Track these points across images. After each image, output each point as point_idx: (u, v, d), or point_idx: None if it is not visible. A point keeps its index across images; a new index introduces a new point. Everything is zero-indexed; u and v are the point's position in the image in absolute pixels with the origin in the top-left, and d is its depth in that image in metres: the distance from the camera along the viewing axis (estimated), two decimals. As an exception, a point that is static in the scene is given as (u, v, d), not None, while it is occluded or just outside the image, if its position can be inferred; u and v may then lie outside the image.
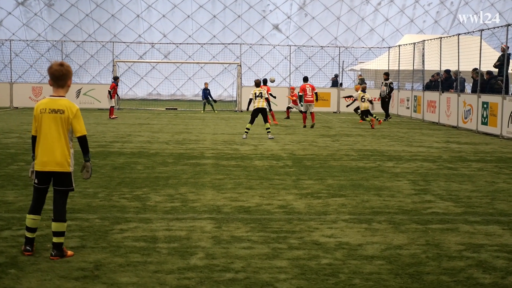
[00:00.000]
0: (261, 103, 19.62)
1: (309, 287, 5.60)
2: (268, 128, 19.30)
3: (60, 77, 6.39)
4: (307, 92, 24.05)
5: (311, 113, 23.96)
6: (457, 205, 9.35)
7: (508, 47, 21.76)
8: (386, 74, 30.20)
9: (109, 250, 6.60)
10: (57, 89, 6.45)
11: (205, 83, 34.90)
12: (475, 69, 24.14)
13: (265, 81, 25.65)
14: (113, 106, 27.97)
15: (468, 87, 28.92)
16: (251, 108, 20.07)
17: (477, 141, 19.41)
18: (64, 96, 6.46)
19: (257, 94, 19.75)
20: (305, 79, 25.26)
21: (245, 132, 19.30)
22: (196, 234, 7.34)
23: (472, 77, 25.18)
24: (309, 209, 8.87)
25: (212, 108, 33.86)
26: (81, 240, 7.00)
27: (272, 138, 18.96)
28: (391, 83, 29.86)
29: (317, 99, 24.59)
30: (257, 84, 20.37)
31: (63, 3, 45.19)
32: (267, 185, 10.72)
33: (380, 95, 30.40)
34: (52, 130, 6.37)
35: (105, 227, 7.58)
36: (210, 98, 33.81)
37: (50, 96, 6.49)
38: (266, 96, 20.03)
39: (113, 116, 27.24)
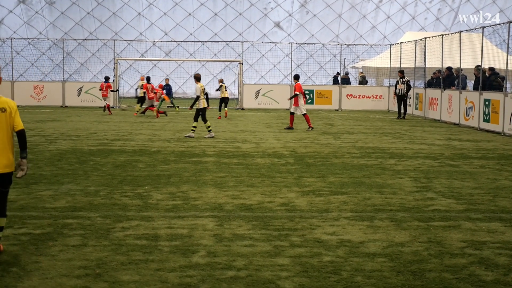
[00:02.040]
0: (204, 102, 18.73)
1: (311, 284, 5.60)
2: (209, 127, 18.58)
3: None
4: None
5: (304, 114, 21.87)
6: (459, 202, 9.34)
7: None
8: (402, 72, 29.14)
9: (110, 248, 6.60)
10: None
11: (166, 79, 34.64)
12: (477, 66, 24.14)
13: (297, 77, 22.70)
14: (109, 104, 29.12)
15: (470, 84, 28.88)
16: (199, 105, 18.69)
17: (479, 138, 19.39)
18: None
19: (204, 92, 18.81)
20: (297, 77, 22.68)
21: (209, 131, 18.47)
22: (198, 232, 7.34)
23: (474, 74, 25.15)
24: (311, 206, 8.86)
25: (173, 105, 33.49)
26: (83, 238, 6.99)
27: (190, 136, 18.21)
28: (409, 80, 28.99)
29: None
30: (199, 78, 19.05)
31: (64, 1, 45.21)
32: (268, 183, 10.71)
33: (396, 93, 29.16)
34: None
35: (106, 225, 7.58)
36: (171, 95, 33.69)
37: None
38: (206, 91, 19.17)
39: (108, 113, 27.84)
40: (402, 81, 28.73)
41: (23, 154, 6.26)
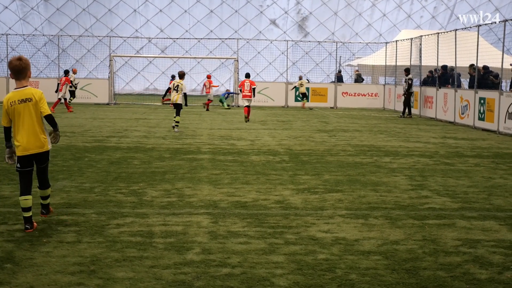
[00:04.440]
0: (175, 98, 19.51)
1: (305, 282, 5.59)
2: (178, 122, 19.34)
3: (20, 71, 7.01)
4: (245, 87, 24.19)
5: (247, 107, 23.88)
6: (453, 200, 9.35)
7: None
8: (407, 71, 28.91)
9: (105, 245, 6.58)
10: (20, 81, 7.08)
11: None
12: (472, 65, 24.19)
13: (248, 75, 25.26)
14: (60, 99, 28.38)
15: (465, 82, 28.92)
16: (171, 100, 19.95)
17: (474, 137, 19.43)
18: (27, 86, 7.10)
19: (174, 87, 19.66)
20: (247, 75, 25.08)
21: (176, 125, 19.31)
22: (193, 229, 7.33)
23: (469, 73, 25.20)
24: (306, 204, 8.86)
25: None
26: (77, 235, 6.98)
27: (177, 132, 18.95)
28: (410, 79, 28.52)
29: (254, 95, 24.44)
30: (179, 75, 20.22)
31: (59, -3, 45.09)
32: (263, 180, 10.71)
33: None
34: (26, 117, 7.02)
35: (101, 222, 7.56)
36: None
37: (15, 89, 7.10)
38: (185, 90, 19.70)
39: (52, 110, 27.32)
40: (405, 79, 28.63)
41: (55, 129, 7.41)
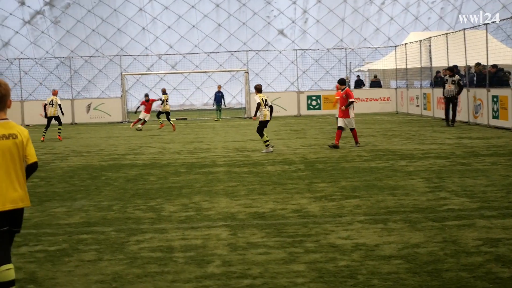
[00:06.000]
0: (268, 114, 16.96)
1: (327, 289, 5.59)
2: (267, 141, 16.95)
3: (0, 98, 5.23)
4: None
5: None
6: (472, 200, 9.30)
7: None
8: (451, 70, 24.02)
9: (126, 262, 6.62)
10: None
11: (218, 86, 35.75)
12: (478, 64, 24.13)
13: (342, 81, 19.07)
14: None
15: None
16: (261, 117, 16.92)
17: (489, 135, 19.31)
18: (7, 119, 5.28)
19: (265, 102, 17.01)
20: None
21: (266, 145, 16.75)
22: (212, 242, 7.35)
23: (475, 71, 25.08)
24: (324, 211, 8.85)
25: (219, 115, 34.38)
26: (98, 253, 7.02)
27: (269, 151, 16.52)
28: (460, 79, 23.74)
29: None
30: (260, 89, 17.39)
31: (69, 20, 45.46)
32: (280, 190, 10.71)
33: (443, 94, 24.29)
34: (7, 159, 5.20)
35: (121, 239, 7.60)
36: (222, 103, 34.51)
37: None
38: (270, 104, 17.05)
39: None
40: (452, 80, 23.66)
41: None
